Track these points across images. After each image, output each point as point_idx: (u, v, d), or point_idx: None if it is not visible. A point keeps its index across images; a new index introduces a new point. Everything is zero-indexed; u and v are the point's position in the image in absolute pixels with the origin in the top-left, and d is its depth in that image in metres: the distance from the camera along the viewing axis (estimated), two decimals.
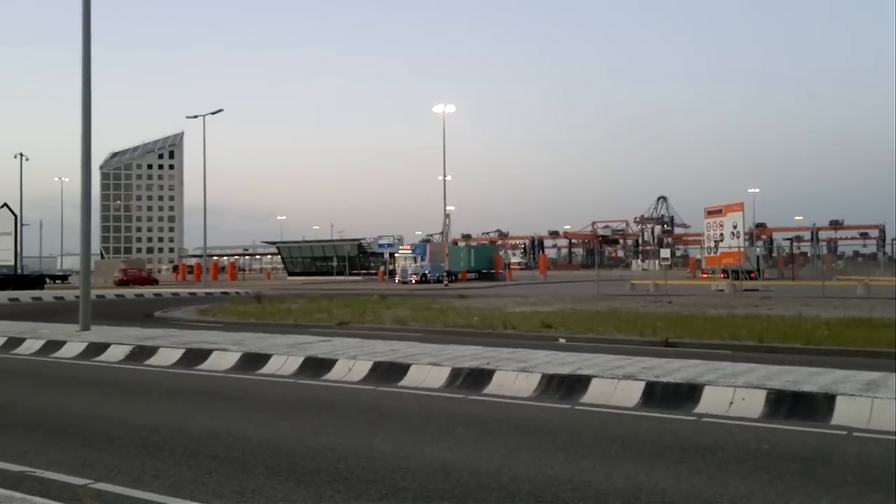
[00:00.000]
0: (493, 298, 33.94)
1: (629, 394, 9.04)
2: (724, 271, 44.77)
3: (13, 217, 56.73)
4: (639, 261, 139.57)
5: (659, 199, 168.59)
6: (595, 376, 9.57)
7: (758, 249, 68.50)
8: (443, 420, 8.13)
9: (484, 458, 6.43)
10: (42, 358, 14.36)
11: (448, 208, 74.87)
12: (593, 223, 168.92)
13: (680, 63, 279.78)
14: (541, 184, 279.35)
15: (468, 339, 16.34)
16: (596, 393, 9.21)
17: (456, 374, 10.39)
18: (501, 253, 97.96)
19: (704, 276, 51.98)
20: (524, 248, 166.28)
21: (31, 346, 15.34)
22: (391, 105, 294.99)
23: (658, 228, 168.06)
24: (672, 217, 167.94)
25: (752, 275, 48.68)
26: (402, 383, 10.46)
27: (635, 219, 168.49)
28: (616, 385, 9.27)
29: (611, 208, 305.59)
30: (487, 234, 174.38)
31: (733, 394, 8.56)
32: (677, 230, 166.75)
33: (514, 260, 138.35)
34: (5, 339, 15.99)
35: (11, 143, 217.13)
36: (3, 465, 6.23)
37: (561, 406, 8.85)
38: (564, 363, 10.74)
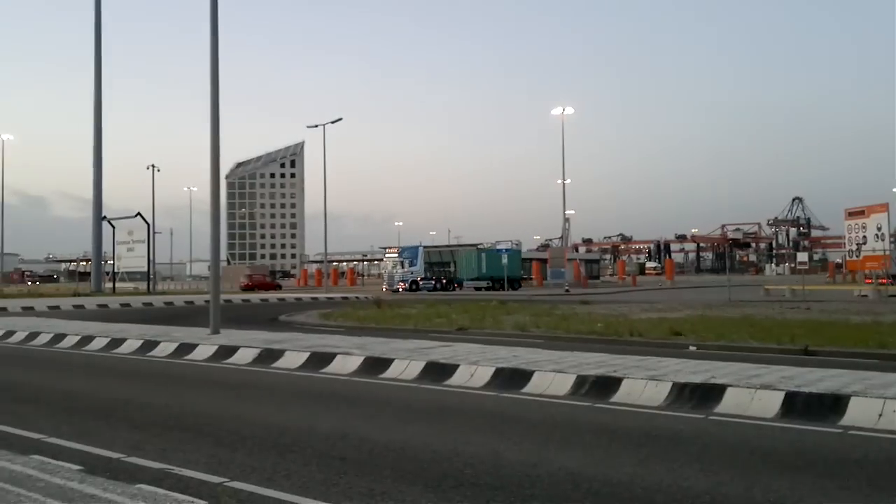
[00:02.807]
0: (617, 304, 33.37)
1: (767, 404, 8.69)
2: (870, 276, 42.24)
3: (146, 225, 60.23)
4: (772, 265, 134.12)
5: (794, 199, 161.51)
6: (730, 385, 9.26)
7: None
8: (569, 428, 8.06)
9: (614, 468, 6.33)
10: (175, 360, 15.16)
11: (567, 212, 74.06)
12: (723, 226, 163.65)
13: (817, 60, 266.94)
14: (666, 186, 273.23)
15: (592, 345, 16.12)
16: (731, 403, 8.91)
17: (581, 381, 10.28)
18: (625, 258, 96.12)
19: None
20: (648, 253, 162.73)
21: (165, 348, 16.23)
22: (510, 108, 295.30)
23: (793, 231, 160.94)
24: (808, 219, 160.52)
25: None
26: (525, 390, 10.44)
27: (768, 221, 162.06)
28: (753, 395, 8.92)
29: (741, 210, 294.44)
30: (609, 238, 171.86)
31: (883, 405, 8.08)
32: (815, 233, 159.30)
33: (649, 265, 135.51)
34: (141, 342, 16.98)
35: (144, 155, 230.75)
36: (144, 463, 6.62)
37: (694, 416, 8.61)
38: (696, 371, 10.44)
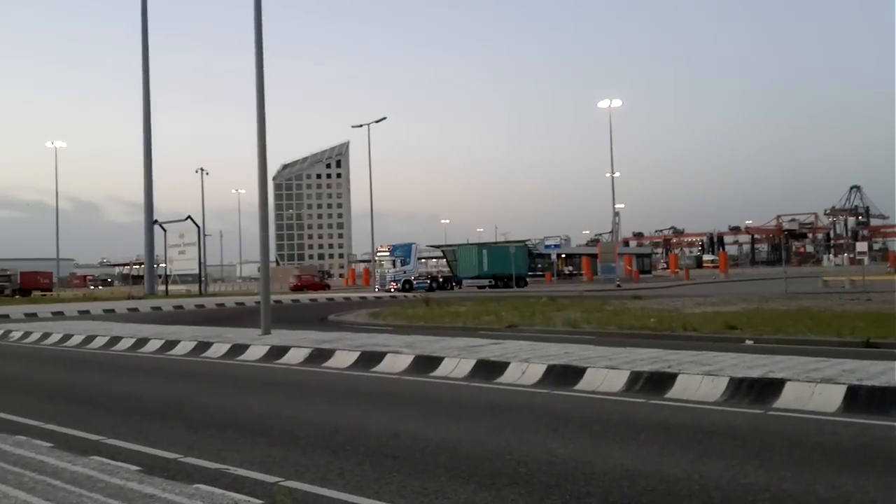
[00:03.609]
0: (670, 299, 32.98)
1: (828, 398, 8.51)
2: None
3: (196, 228, 61.43)
4: (830, 256, 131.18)
5: (852, 188, 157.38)
6: (789, 380, 9.08)
7: None
8: (624, 425, 8.00)
9: (671, 465, 6.26)
10: (228, 361, 15.42)
11: (617, 206, 73.32)
12: (778, 217, 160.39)
13: (870, 47, 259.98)
14: (719, 177, 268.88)
15: (645, 341, 15.96)
16: (791, 397, 8.74)
17: (635, 377, 10.18)
18: (677, 251, 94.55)
19: None
20: (701, 246, 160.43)
21: (218, 349, 16.51)
22: (556, 102, 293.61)
23: (852, 220, 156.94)
24: (867, 208, 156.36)
25: None
26: (577, 387, 10.38)
27: (825, 211, 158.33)
28: (813, 389, 8.74)
29: (797, 201, 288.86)
30: (660, 231, 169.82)
31: None
32: (874, 222, 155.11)
33: (706, 257, 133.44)
34: (195, 343, 17.30)
35: (193, 158, 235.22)
36: (200, 463, 6.74)
37: (752, 411, 8.47)
38: (753, 366, 10.26)
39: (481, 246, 70.72)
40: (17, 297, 71.91)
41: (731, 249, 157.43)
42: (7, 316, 33.67)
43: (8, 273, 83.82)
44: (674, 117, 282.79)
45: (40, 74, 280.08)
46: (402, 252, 62.40)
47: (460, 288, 61.64)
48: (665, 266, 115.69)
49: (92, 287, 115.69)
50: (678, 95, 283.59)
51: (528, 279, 67.75)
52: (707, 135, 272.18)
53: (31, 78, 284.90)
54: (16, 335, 22.96)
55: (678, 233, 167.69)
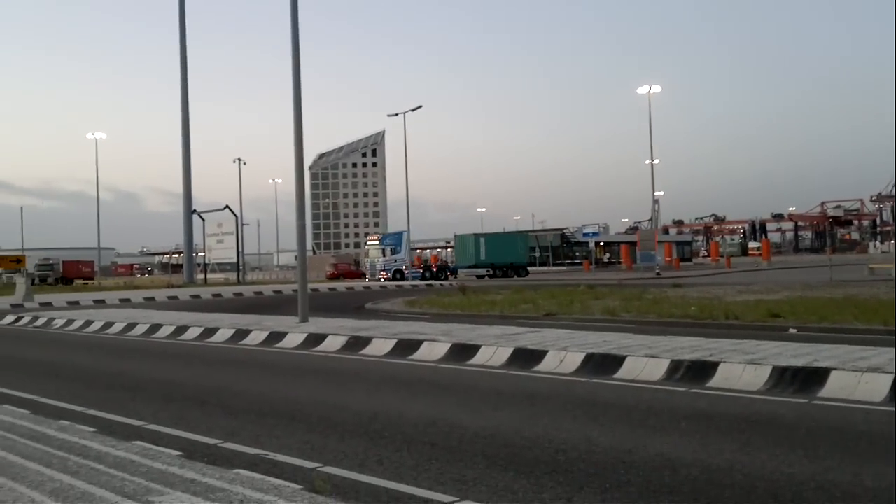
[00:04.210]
0: (711, 287, 32.61)
1: (876, 387, 8.35)
2: None
3: (234, 217, 62.15)
4: (877, 243, 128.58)
5: None
6: (834, 369, 8.93)
7: None
8: (664, 414, 7.93)
9: (713, 454, 6.20)
10: (266, 348, 15.59)
11: (657, 193, 72.69)
12: (822, 203, 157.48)
13: None
14: (760, 164, 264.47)
15: (685, 329, 15.80)
16: (836, 387, 8.60)
17: (676, 366, 10.09)
18: (718, 239, 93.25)
19: None
20: (743, 233, 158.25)
21: (256, 337, 16.69)
22: (594, 88, 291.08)
23: None
24: None
25: None
26: (616, 375, 10.32)
27: (871, 197, 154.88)
28: (860, 378, 8.58)
29: (841, 187, 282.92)
30: (701, 219, 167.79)
31: None
32: None
33: (752, 245, 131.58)
34: (233, 331, 17.52)
35: (230, 148, 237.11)
36: (240, 448, 6.83)
37: (796, 400, 8.35)
38: (798, 355, 10.10)
39: (478, 235, 69.49)
40: (59, 285, 73.50)
41: (774, 237, 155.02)
42: (50, 304, 34.43)
43: (51, 262, 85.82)
44: (714, 104, 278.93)
45: (81, 67, 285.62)
46: (393, 241, 61.51)
47: (455, 277, 59.86)
48: (706, 254, 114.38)
49: (139, 275, 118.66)
50: (719, 81, 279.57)
51: (528, 268, 66.44)
52: (749, 121, 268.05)
53: (73, 71, 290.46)
54: (59, 322, 23.45)
55: (719, 220, 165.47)
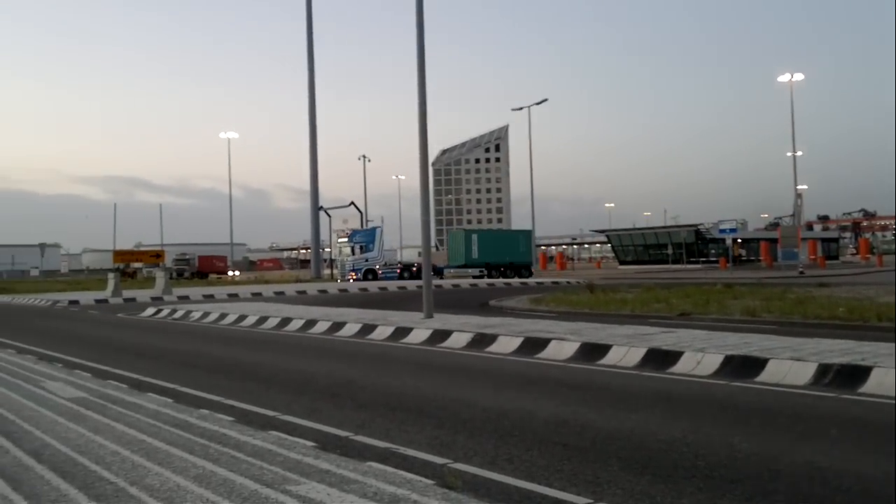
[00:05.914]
0: (860, 287, 30.90)
1: None
2: None
3: (359, 213, 63.80)
4: None
5: None
6: None
7: None
8: (812, 420, 7.59)
9: (868, 464, 5.89)
10: (392, 343, 15.90)
11: (799, 187, 69.39)
12: None
13: None
14: None
15: (833, 332, 15.03)
16: None
17: (824, 370, 9.62)
18: (868, 236, 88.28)
19: None
20: None
21: (382, 332, 17.06)
22: (729, 78, 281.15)
23: None
24: None
25: None
26: (758, 379, 9.95)
27: None
28: None
29: None
30: (849, 214, 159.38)
31: None
32: None
33: None
34: (360, 325, 17.97)
35: (355, 145, 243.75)
36: (371, 441, 7.01)
37: None
38: None
39: (470, 231, 65.17)
40: (195, 279, 77.54)
41: None
42: (187, 297, 36.37)
43: (187, 257, 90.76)
44: (862, 91, 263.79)
45: (213, 70, 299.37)
46: (364, 238, 56.62)
47: (441, 278, 53.30)
48: (854, 252, 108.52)
49: (286, 268, 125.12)
50: (866, 69, 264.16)
51: (532, 268, 61.97)
52: None
53: (206, 73, 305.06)
54: (195, 315, 24.71)
55: (869, 215, 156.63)
